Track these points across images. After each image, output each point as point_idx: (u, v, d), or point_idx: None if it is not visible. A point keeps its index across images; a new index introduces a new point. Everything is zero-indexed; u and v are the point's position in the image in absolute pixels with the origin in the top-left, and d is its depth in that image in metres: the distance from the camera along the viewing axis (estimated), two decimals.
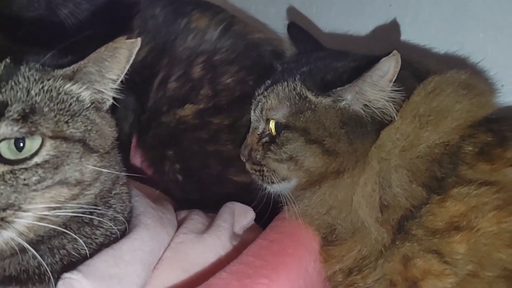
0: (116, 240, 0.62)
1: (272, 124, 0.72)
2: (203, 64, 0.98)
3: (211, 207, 0.82)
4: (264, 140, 0.74)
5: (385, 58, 0.62)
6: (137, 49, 0.62)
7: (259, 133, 0.75)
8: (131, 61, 0.63)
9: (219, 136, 0.93)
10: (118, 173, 0.66)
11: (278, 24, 1.04)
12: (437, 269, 0.60)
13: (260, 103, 0.74)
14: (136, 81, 1.02)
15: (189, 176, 0.96)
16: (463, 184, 0.61)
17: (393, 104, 0.65)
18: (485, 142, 0.63)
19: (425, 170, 0.63)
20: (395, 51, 0.62)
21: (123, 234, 0.64)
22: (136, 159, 1.06)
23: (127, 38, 0.62)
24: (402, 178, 0.63)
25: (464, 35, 0.86)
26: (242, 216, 0.79)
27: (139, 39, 0.61)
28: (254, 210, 0.80)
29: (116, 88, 0.65)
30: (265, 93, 0.74)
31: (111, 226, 0.62)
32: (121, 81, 1.02)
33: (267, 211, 0.77)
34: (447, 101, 0.65)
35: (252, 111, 0.77)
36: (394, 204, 0.63)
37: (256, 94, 0.77)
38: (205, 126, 0.94)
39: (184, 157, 0.96)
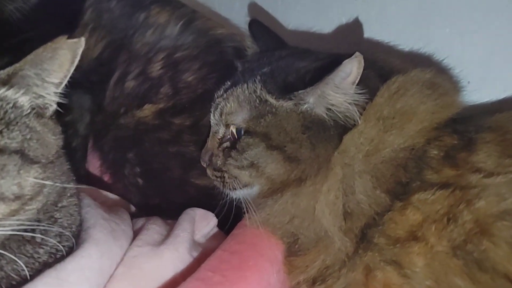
0: (62, 258, 0.57)
1: (232, 129, 0.68)
2: (163, 61, 0.94)
3: (172, 213, 0.78)
4: (224, 145, 0.70)
5: (348, 60, 0.59)
6: (81, 49, 0.57)
7: (220, 137, 0.72)
8: (76, 63, 0.58)
9: (180, 137, 0.90)
10: (64, 185, 0.60)
11: (242, 20, 1.01)
12: (396, 283, 0.58)
13: (219, 106, 0.70)
14: (92, 79, 0.97)
15: (150, 179, 0.92)
16: (426, 189, 0.59)
17: (356, 107, 0.63)
18: (450, 146, 0.61)
19: (389, 175, 0.61)
20: (357, 53, 0.59)
21: (71, 250, 0.59)
22: (95, 162, 1.00)
23: (70, 37, 0.56)
24: (366, 184, 0.61)
25: (430, 30, 0.84)
26: (203, 223, 0.76)
27: (82, 38, 0.56)
28: (217, 215, 0.76)
29: (61, 93, 0.60)
30: (225, 95, 0.70)
31: (55, 243, 0.57)
32: (76, 81, 0.98)
33: (231, 216, 0.74)
34: (411, 102, 0.63)
35: (211, 115, 0.73)
36: (358, 211, 0.61)
37: (216, 96, 0.73)
38: (166, 126, 0.91)
39: (144, 159, 0.92)
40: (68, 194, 0.64)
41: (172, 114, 0.90)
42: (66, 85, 0.60)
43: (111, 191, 0.91)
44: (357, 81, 0.62)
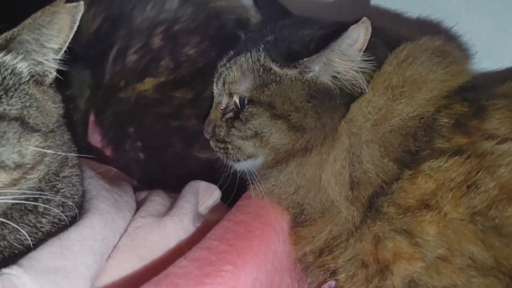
0: (65, 227, 0.56)
1: (236, 98, 0.67)
2: (163, 34, 0.92)
3: (174, 187, 0.77)
4: (228, 115, 0.69)
5: (354, 25, 0.57)
6: (80, 14, 0.55)
7: (223, 108, 0.70)
8: (75, 28, 0.56)
9: (181, 111, 0.89)
10: (65, 154, 0.59)
11: None
12: (407, 252, 0.57)
13: (222, 76, 0.69)
14: (91, 54, 0.96)
15: (151, 154, 0.91)
16: (437, 156, 0.58)
17: (363, 75, 0.61)
18: (460, 113, 0.60)
19: (398, 144, 0.60)
20: (364, 18, 0.57)
21: (74, 220, 0.58)
22: (96, 137, 0.99)
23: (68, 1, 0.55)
24: (373, 153, 0.60)
25: None
26: (207, 195, 0.75)
27: (81, 2, 0.54)
28: (220, 188, 0.75)
29: (60, 59, 0.58)
30: (228, 64, 0.69)
31: (59, 213, 0.56)
32: (75, 55, 0.96)
33: (234, 189, 0.73)
34: (421, 70, 0.61)
35: (214, 84, 0.71)
36: (365, 180, 0.60)
37: (218, 65, 0.72)
38: (167, 100, 0.89)
39: (145, 134, 0.91)
40: (70, 164, 0.63)
41: (173, 87, 0.89)
42: (66, 55, 0.58)
43: (112, 166, 0.90)
44: (364, 48, 0.60)
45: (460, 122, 0.59)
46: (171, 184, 0.82)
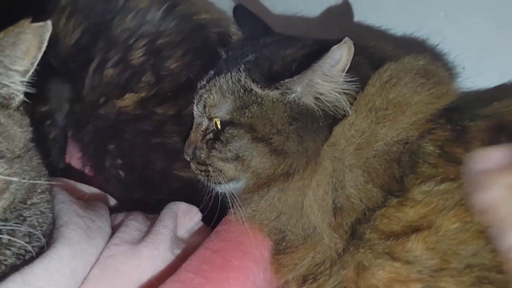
0: (31, 259, 0.54)
1: (216, 121, 0.65)
2: (145, 48, 0.89)
3: (155, 206, 0.75)
4: (208, 137, 0.67)
5: (336, 46, 0.55)
6: (48, 34, 0.52)
7: (203, 129, 0.68)
8: (43, 48, 0.54)
9: (163, 128, 0.86)
10: (33, 181, 0.56)
11: (226, 4, 0.97)
12: (403, 275, 0.54)
13: (202, 98, 0.67)
14: (70, 67, 0.93)
15: (132, 172, 0.88)
16: (423, 181, 0.56)
17: (346, 96, 0.59)
18: (444, 139, 0.58)
19: (382, 170, 0.58)
20: (346, 38, 0.55)
21: (42, 251, 0.55)
22: (75, 154, 0.96)
23: (38, 21, 0.52)
24: (357, 178, 0.58)
25: (424, 14, 0.81)
26: (186, 217, 0.72)
27: (49, 22, 0.52)
28: (202, 210, 0.73)
29: (28, 81, 0.55)
30: (207, 86, 0.67)
31: (24, 244, 0.53)
32: (53, 69, 0.93)
33: (216, 211, 0.70)
34: (405, 92, 0.59)
35: (194, 106, 0.69)
36: (348, 207, 0.58)
37: (199, 86, 0.69)
38: (148, 116, 0.87)
39: (126, 151, 0.88)
40: (39, 190, 0.60)
41: (155, 103, 0.86)
42: (39, 73, 0.56)
43: (92, 184, 0.87)
44: (346, 69, 0.58)
45: (445, 150, 0.56)
46: (152, 202, 0.80)
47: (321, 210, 0.58)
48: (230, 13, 0.83)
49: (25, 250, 0.54)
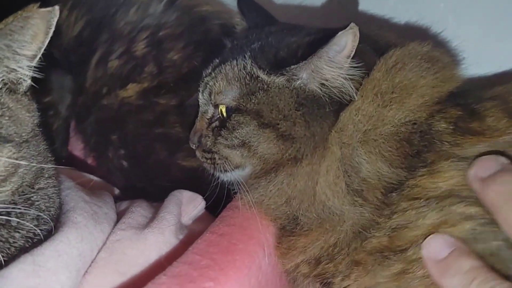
0: (40, 242, 0.54)
1: (222, 108, 0.65)
2: (147, 40, 0.90)
3: (158, 196, 0.75)
4: (214, 124, 0.67)
5: (342, 32, 0.56)
6: (55, 19, 0.53)
7: (209, 117, 0.68)
8: (50, 34, 0.54)
9: (165, 118, 0.86)
10: (40, 165, 0.57)
11: None
12: (454, 217, 0.53)
13: (208, 86, 0.67)
14: (72, 59, 0.93)
15: (135, 162, 0.89)
16: (450, 158, 0.56)
17: (352, 82, 0.59)
18: (456, 117, 0.58)
19: (395, 149, 0.58)
20: (352, 24, 0.55)
21: (49, 234, 0.56)
22: (78, 145, 0.97)
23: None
24: (369, 160, 0.58)
25: (424, 4, 0.82)
26: (190, 205, 0.73)
27: (56, 7, 0.52)
28: (208, 199, 0.73)
29: (35, 67, 0.56)
30: (213, 74, 0.67)
31: (33, 227, 0.54)
32: (56, 60, 0.94)
33: (222, 198, 0.71)
34: (410, 76, 0.59)
35: (200, 94, 0.69)
36: (367, 187, 0.58)
37: (204, 74, 0.70)
38: (151, 107, 0.87)
39: (129, 141, 0.89)
40: (46, 175, 0.60)
41: (157, 94, 0.87)
42: (43, 61, 0.56)
43: (95, 175, 0.87)
44: (352, 55, 0.58)
45: (459, 125, 0.57)
46: (155, 192, 0.80)
47: (336, 194, 0.58)
48: (231, 5, 0.84)
49: (34, 233, 0.55)
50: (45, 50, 0.55)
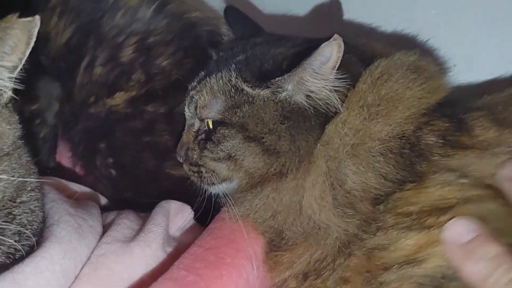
0: (21, 258, 0.53)
1: (208, 120, 0.65)
2: (135, 46, 0.88)
3: (146, 206, 0.74)
4: (200, 137, 0.66)
5: (326, 43, 0.55)
6: (36, 29, 0.52)
7: (195, 130, 0.68)
8: (31, 44, 0.53)
9: (154, 126, 0.85)
10: (22, 179, 0.55)
11: (217, 2, 0.97)
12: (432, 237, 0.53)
13: (193, 99, 0.66)
14: (61, 66, 0.92)
15: (123, 171, 0.88)
16: (440, 170, 0.55)
17: (338, 93, 0.59)
18: (444, 129, 0.58)
19: (383, 163, 0.57)
20: (336, 35, 0.55)
21: (32, 250, 0.54)
22: (65, 154, 0.95)
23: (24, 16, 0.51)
24: (357, 174, 0.57)
25: (415, 11, 0.82)
26: (179, 216, 0.72)
27: (37, 17, 0.51)
28: (196, 211, 0.72)
29: (17, 78, 0.55)
30: (198, 87, 0.66)
31: (14, 242, 0.52)
32: (44, 67, 0.92)
33: (210, 208, 0.70)
34: (396, 87, 0.59)
35: (186, 107, 0.69)
36: (353, 200, 0.57)
37: (190, 88, 0.69)
38: (139, 115, 0.86)
39: (117, 150, 0.88)
40: (29, 188, 0.59)
41: (145, 101, 0.86)
42: (28, 72, 0.55)
43: (82, 183, 0.86)
44: (337, 66, 0.58)
45: (448, 139, 0.57)
46: (144, 202, 0.78)
47: (323, 208, 0.58)
48: (221, 11, 0.83)
49: (15, 249, 0.53)
50: (31, 57, 0.54)
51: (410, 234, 0.53)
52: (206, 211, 0.70)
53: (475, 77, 0.76)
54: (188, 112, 0.68)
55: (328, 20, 0.89)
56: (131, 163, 0.86)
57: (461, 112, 0.60)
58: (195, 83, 0.68)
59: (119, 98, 0.87)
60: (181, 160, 0.69)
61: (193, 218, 0.72)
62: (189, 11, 0.92)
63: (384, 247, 0.55)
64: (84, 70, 0.90)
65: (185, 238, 0.69)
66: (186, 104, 0.68)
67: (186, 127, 0.69)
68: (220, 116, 0.63)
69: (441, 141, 0.57)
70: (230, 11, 0.78)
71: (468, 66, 0.77)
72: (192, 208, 0.72)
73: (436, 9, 0.79)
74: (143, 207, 0.75)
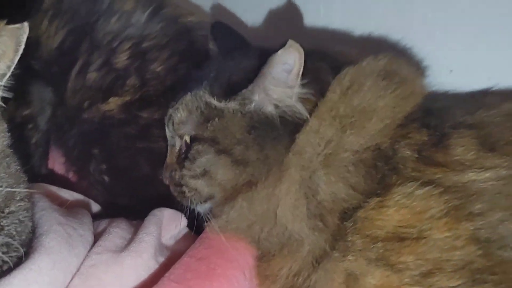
0: (9, 270, 0.52)
1: (186, 138, 0.65)
2: (130, 51, 0.88)
3: (140, 212, 0.73)
4: (182, 157, 0.66)
5: (282, 50, 0.55)
6: (25, 36, 0.51)
7: (177, 150, 0.67)
8: (20, 51, 0.52)
9: (148, 132, 0.85)
10: (10, 189, 0.54)
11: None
12: (394, 281, 0.52)
13: (171, 117, 0.67)
14: (53, 70, 0.91)
15: (117, 177, 0.87)
16: (404, 182, 0.54)
17: (305, 102, 0.58)
18: (421, 143, 0.56)
19: (356, 175, 0.56)
20: (291, 41, 0.54)
21: (20, 261, 0.53)
22: (58, 159, 0.94)
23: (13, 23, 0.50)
24: (329, 184, 0.57)
25: (411, 16, 0.80)
26: (172, 224, 0.71)
27: (25, 24, 0.50)
28: (189, 218, 0.71)
29: (5, 86, 0.54)
30: (176, 105, 0.67)
31: (1, 254, 0.52)
32: (36, 72, 0.91)
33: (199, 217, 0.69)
34: (368, 97, 0.58)
35: (166, 127, 0.69)
36: (325, 211, 0.57)
37: (169, 108, 0.69)
38: (133, 120, 0.85)
39: (111, 156, 0.87)
40: (17, 198, 0.58)
41: (140, 107, 0.85)
42: (20, 77, 0.54)
43: (75, 190, 0.85)
44: (300, 73, 0.57)
45: (423, 154, 0.55)
46: (137, 208, 0.78)
47: (297, 218, 0.57)
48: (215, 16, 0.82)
49: (2, 261, 0.52)
50: (22, 62, 0.53)
51: (376, 272, 0.53)
52: (199, 219, 0.69)
53: (472, 85, 0.75)
54: (168, 132, 0.68)
55: (315, 31, 0.88)
56: (125, 169, 0.86)
57: (449, 126, 0.58)
58: (174, 103, 0.68)
59: (113, 103, 0.86)
60: (167, 182, 0.69)
61: (187, 224, 0.72)
62: (183, 16, 0.91)
63: (355, 276, 0.54)
64: (77, 75, 0.89)
65: (178, 247, 0.69)
66: (166, 123, 0.68)
67: (168, 149, 0.69)
68: (194, 132, 0.63)
69: (415, 155, 0.56)
70: (217, 27, 0.77)
71: (465, 73, 0.76)
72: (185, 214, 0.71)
73: (432, 13, 0.79)
74: (137, 214, 0.74)
